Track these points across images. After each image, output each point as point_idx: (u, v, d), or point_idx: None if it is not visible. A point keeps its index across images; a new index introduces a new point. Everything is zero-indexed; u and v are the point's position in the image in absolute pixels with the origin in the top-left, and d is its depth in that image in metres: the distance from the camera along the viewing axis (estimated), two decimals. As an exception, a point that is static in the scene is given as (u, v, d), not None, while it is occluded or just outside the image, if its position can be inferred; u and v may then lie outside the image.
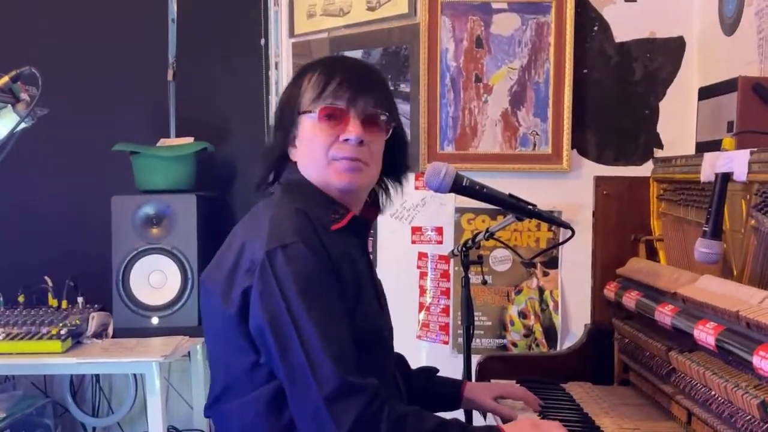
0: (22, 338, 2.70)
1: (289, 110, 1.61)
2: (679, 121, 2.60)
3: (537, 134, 2.65)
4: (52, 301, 3.03)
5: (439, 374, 2.00)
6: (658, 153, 2.62)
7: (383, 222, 2.76)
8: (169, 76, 3.28)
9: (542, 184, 2.63)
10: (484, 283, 2.51)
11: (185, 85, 3.27)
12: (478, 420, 2.05)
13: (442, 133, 2.67)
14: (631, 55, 2.65)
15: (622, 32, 2.65)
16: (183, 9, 3.24)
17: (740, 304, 1.53)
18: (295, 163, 1.63)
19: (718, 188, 1.78)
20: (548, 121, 2.64)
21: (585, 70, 2.65)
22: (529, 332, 2.65)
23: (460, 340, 2.60)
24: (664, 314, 1.79)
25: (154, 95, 3.27)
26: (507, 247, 2.36)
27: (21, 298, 3.04)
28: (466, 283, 2.18)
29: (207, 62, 3.24)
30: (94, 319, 2.88)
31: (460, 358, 2.30)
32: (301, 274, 1.44)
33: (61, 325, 2.79)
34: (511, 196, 1.75)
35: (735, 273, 1.79)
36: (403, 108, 2.70)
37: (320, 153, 1.57)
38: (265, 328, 1.45)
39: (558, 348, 2.62)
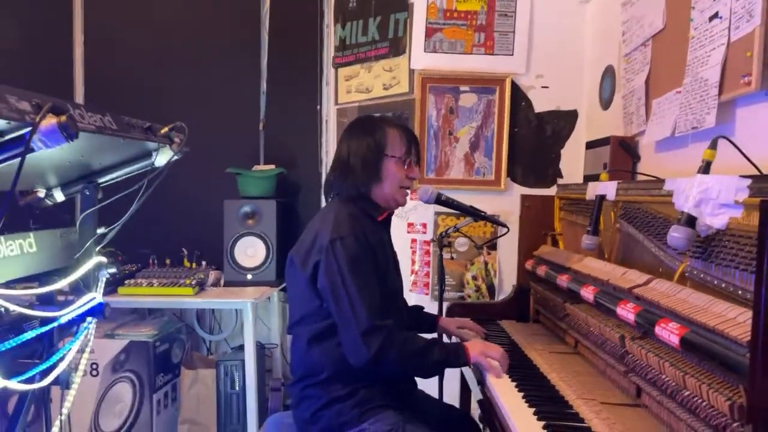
0: (167, 285, 2.73)
1: (378, 155, 1.64)
2: (572, 161, 2.63)
3: (485, 168, 2.66)
4: (186, 264, 3.06)
5: (424, 311, 2.03)
6: (560, 180, 2.64)
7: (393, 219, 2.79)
8: (261, 127, 3.32)
9: (488, 199, 2.64)
10: (452, 258, 2.54)
11: (271, 133, 3.30)
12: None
13: (427, 165, 2.69)
14: (544, 120, 2.66)
15: (540, 106, 2.66)
16: (270, 83, 3.27)
17: (609, 275, 1.55)
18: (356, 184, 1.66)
19: (597, 204, 1.81)
20: (493, 160, 2.65)
21: (516, 129, 2.66)
22: (478, 289, 2.67)
23: (436, 292, 2.63)
24: (563, 280, 1.81)
25: (251, 139, 3.29)
26: (467, 237, 2.38)
27: (167, 261, 3.08)
28: (440, 260, 2.19)
29: (284, 118, 3.26)
30: (212, 275, 2.91)
31: (436, 303, 2.31)
32: (350, 256, 1.51)
33: (192, 278, 2.82)
34: (471, 207, 1.78)
35: (606, 256, 1.81)
36: (404, 150, 2.73)
37: (397, 184, 1.66)
38: (327, 287, 1.53)
39: (496, 299, 2.64)
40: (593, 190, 1.86)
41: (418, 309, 2.01)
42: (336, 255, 1.51)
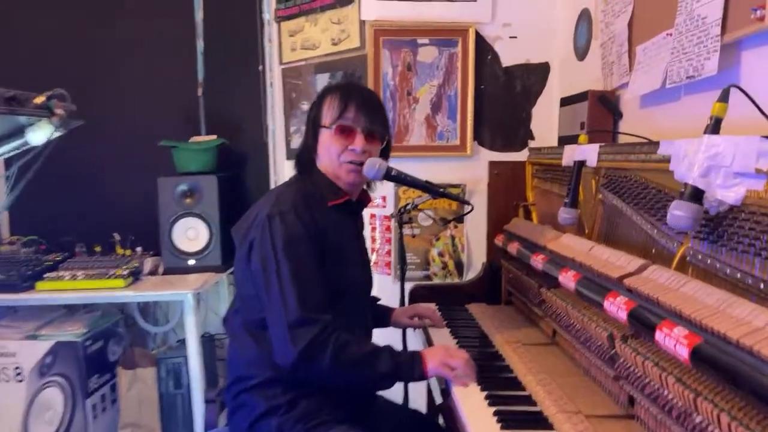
0: (96, 278, 2.43)
1: (315, 125, 1.44)
2: (545, 121, 2.36)
3: (449, 131, 2.39)
4: (119, 250, 2.74)
5: (379, 302, 1.80)
6: (531, 143, 2.38)
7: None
8: (199, 92, 2.98)
9: (453, 166, 2.39)
10: (413, 236, 2.29)
11: (210, 99, 2.95)
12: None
13: (384, 131, 2.40)
14: (513, 75, 2.39)
15: (507, 59, 2.38)
16: (208, 44, 2.91)
17: (593, 259, 1.31)
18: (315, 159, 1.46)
19: (575, 171, 1.56)
20: (457, 122, 2.37)
21: (482, 86, 2.38)
22: (444, 266, 2.43)
23: (398, 270, 2.39)
24: (537, 261, 1.57)
25: (189, 106, 2.94)
26: (428, 214, 2.12)
27: (97, 248, 2.76)
28: (399, 237, 1.94)
29: (224, 82, 2.91)
30: (149, 262, 2.61)
31: (398, 284, 2.08)
32: (289, 234, 1.28)
33: (124, 267, 2.51)
34: (427, 183, 1.51)
35: (587, 231, 1.58)
36: (357, 114, 2.44)
37: (335, 156, 1.41)
38: (258, 270, 1.29)
39: (464, 276, 2.41)
40: (570, 154, 1.61)
41: (374, 301, 1.76)
42: (272, 232, 1.28)
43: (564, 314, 1.42)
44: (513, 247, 1.80)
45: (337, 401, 1.35)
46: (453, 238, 2.43)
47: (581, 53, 2.10)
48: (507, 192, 2.07)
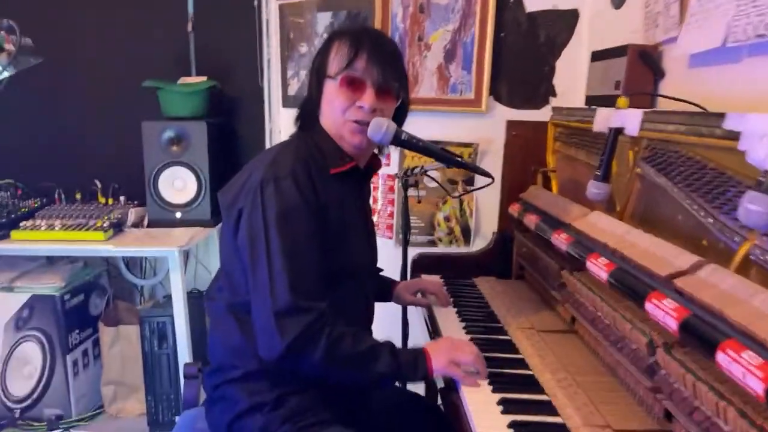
0: (74, 228, 2.25)
1: (319, 74, 1.23)
2: (570, 76, 2.14)
3: (463, 83, 2.16)
4: (101, 199, 2.56)
5: (381, 273, 1.61)
6: (553, 101, 2.16)
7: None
8: (189, 28, 2.72)
9: (465, 123, 2.18)
10: (419, 201, 2.11)
11: (201, 37, 2.69)
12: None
13: (391, 80, 2.18)
14: (537, 22, 2.14)
15: (532, 4, 2.13)
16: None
17: (631, 246, 1.13)
18: (318, 115, 1.24)
19: (611, 140, 1.36)
20: (472, 73, 2.15)
21: (502, 34, 2.14)
22: (450, 232, 2.26)
23: (401, 235, 2.22)
24: (560, 241, 1.39)
25: (178, 44, 2.68)
26: (438, 183, 1.91)
27: (78, 195, 2.58)
28: (404, 201, 1.76)
29: (216, 17, 2.65)
30: (132, 214, 2.43)
31: (401, 249, 1.91)
32: (284, 204, 1.08)
33: (105, 218, 2.34)
34: (443, 150, 1.29)
35: (618, 209, 1.39)
36: (362, 60, 2.20)
37: (338, 113, 1.20)
38: (245, 244, 1.10)
39: (471, 244, 2.25)
40: (605, 119, 1.40)
41: (376, 271, 1.59)
42: (264, 200, 1.10)
43: (590, 305, 1.26)
44: (530, 220, 1.62)
45: (329, 399, 1.20)
46: (461, 202, 2.25)
47: (618, 0, 1.86)
48: (525, 155, 1.87)
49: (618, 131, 1.35)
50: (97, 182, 2.57)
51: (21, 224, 2.27)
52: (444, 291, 1.61)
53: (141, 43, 2.66)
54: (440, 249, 2.22)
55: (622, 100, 1.35)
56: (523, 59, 2.17)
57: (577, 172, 1.64)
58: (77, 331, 2.41)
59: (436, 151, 1.26)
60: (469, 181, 2.21)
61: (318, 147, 1.21)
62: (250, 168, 1.18)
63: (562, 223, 1.43)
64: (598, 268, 1.17)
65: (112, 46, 2.66)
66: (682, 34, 1.42)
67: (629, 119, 1.30)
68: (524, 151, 1.87)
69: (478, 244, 2.20)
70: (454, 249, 2.26)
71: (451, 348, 1.18)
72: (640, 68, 1.56)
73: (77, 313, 2.41)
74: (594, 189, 1.37)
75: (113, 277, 2.76)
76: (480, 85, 2.15)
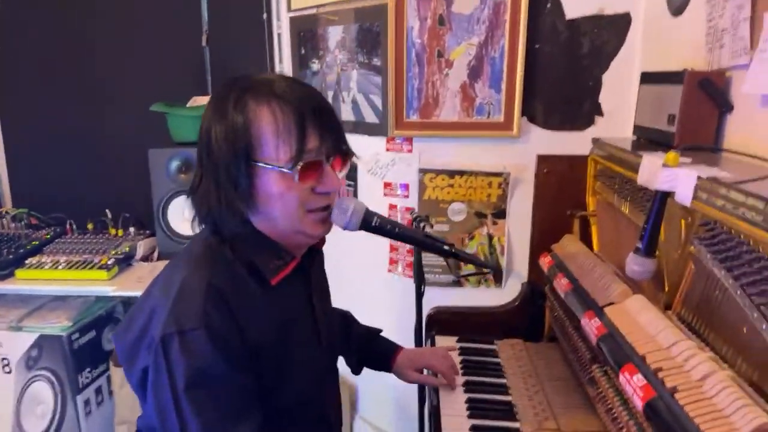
0: (79, 267, 2.16)
1: (244, 160, 0.90)
2: (619, 92, 1.81)
3: (491, 104, 1.89)
4: (112, 230, 2.47)
5: (380, 335, 1.41)
6: (599, 121, 1.85)
7: (362, 176, 2.10)
8: (204, 42, 2.57)
9: (494, 149, 1.91)
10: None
11: (214, 51, 2.54)
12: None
13: (408, 103, 1.93)
14: (579, 30, 1.83)
15: (573, 9, 1.81)
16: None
17: (673, 369, 0.86)
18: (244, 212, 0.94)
19: (656, 207, 1.07)
20: (502, 92, 1.87)
21: (537, 45, 1.84)
22: (498, 271, 2.00)
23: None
24: (591, 328, 1.13)
25: (191, 60, 2.54)
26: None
27: (90, 226, 2.49)
28: (417, 261, 1.53)
29: (228, 32, 2.48)
30: (142, 246, 2.33)
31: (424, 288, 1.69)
32: (195, 367, 0.83)
33: (112, 252, 2.25)
34: (426, 235, 1.03)
35: (667, 289, 1.11)
36: (375, 80, 1.97)
37: (294, 208, 0.92)
38: (155, 416, 0.85)
39: (503, 283, 1.98)
40: (650, 174, 1.12)
41: (371, 336, 1.39)
42: (170, 365, 0.84)
43: (622, 423, 1.00)
44: (561, 285, 1.36)
45: None
46: (491, 237, 1.98)
47: (677, 5, 1.53)
48: (559, 195, 1.60)
49: (666, 195, 1.06)
50: (108, 212, 2.47)
51: (27, 261, 2.21)
52: (451, 371, 1.34)
53: (154, 62, 2.54)
54: (465, 293, 1.96)
55: (672, 156, 1.06)
56: (563, 73, 1.86)
57: (620, 227, 1.35)
58: (88, 369, 2.34)
59: (418, 239, 1.02)
60: (500, 214, 1.95)
61: (242, 256, 0.94)
62: (150, 303, 0.91)
63: (594, 305, 1.16)
64: (633, 389, 0.90)
65: (124, 67, 2.55)
66: (754, 65, 1.10)
67: (680, 182, 1.02)
68: (559, 190, 1.60)
69: (511, 287, 1.94)
70: (483, 290, 2.00)
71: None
72: (701, 100, 1.25)
73: (88, 350, 2.33)
74: (635, 265, 1.09)
75: (129, 306, 2.68)
76: (511, 105, 1.86)
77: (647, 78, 1.48)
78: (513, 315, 1.66)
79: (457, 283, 2.04)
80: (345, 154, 0.97)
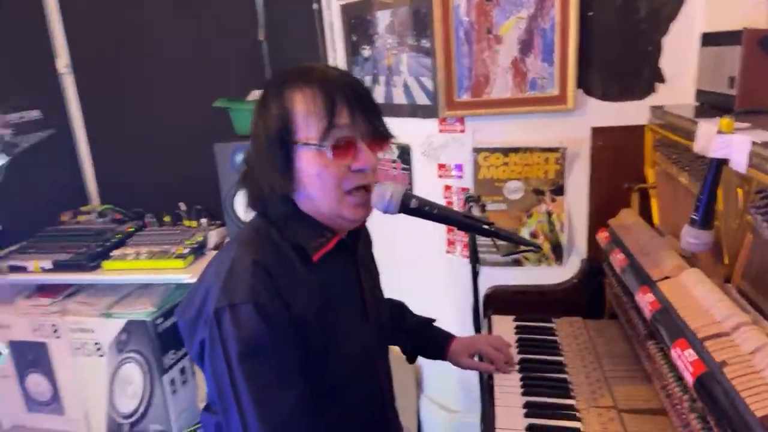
0: (158, 257, 2.33)
1: (283, 141, 0.96)
2: (681, 57, 1.71)
3: (545, 78, 1.84)
4: (186, 222, 2.62)
5: (434, 324, 1.42)
6: (660, 88, 1.77)
7: (416, 159, 2.11)
8: (261, 36, 2.66)
9: (549, 123, 1.86)
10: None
11: (271, 44, 2.62)
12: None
13: (458, 83, 1.91)
14: (636, -6, 1.74)
15: (628, -28, 1.73)
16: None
17: (720, 339, 0.83)
18: (289, 192, 1.00)
19: (711, 176, 1.03)
20: (555, 65, 1.82)
21: (590, 13, 1.77)
22: (538, 249, 1.98)
23: (480, 254, 1.99)
24: (644, 303, 1.11)
25: (248, 55, 2.64)
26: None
27: (166, 218, 2.66)
28: (472, 235, 1.53)
29: (284, 26, 2.56)
30: (213, 236, 2.47)
31: (481, 268, 1.76)
32: (246, 339, 0.88)
33: (187, 243, 2.39)
34: (465, 215, 1.03)
35: (726, 261, 1.06)
36: (425, 62, 1.97)
37: (332, 187, 0.96)
38: (212, 384, 0.93)
39: (564, 261, 1.95)
40: (706, 140, 1.07)
41: (425, 326, 1.41)
42: (224, 337, 0.90)
43: (676, 399, 0.97)
44: (617, 259, 1.32)
45: None
46: (549, 214, 1.95)
47: (740, -41, 1.43)
48: (616, 168, 1.55)
49: (721, 162, 1.01)
50: (182, 205, 2.63)
51: (112, 253, 2.39)
52: (504, 356, 1.32)
53: (215, 59, 2.66)
54: (525, 272, 1.94)
55: (726, 122, 1.01)
56: (620, 41, 1.78)
57: (679, 199, 1.30)
58: (172, 351, 2.51)
59: (458, 219, 1.02)
60: (558, 191, 1.91)
61: (289, 236, 0.99)
62: (206, 281, 0.98)
63: (648, 278, 1.13)
64: (684, 364, 0.88)
65: (188, 66, 2.69)
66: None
67: (735, 149, 0.97)
68: (615, 164, 1.54)
69: (573, 264, 1.90)
70: (543, 269, 1.97)
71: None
72: (761, 60, 1.17)
73: (171, 333, 2.50)
74: (690, 238, 1.05)
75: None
76: (565, 77, 1.81)
77: (707, 39, 1.40)
78: (572, 292, 1.63)
79: (517, 263, 2.02)
80: (381, 135, 1.00)
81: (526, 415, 1.16)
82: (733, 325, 0.84)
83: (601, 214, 1.56)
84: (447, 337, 1.37)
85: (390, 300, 1.40)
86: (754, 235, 0.96)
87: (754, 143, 0.92)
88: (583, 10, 1.76)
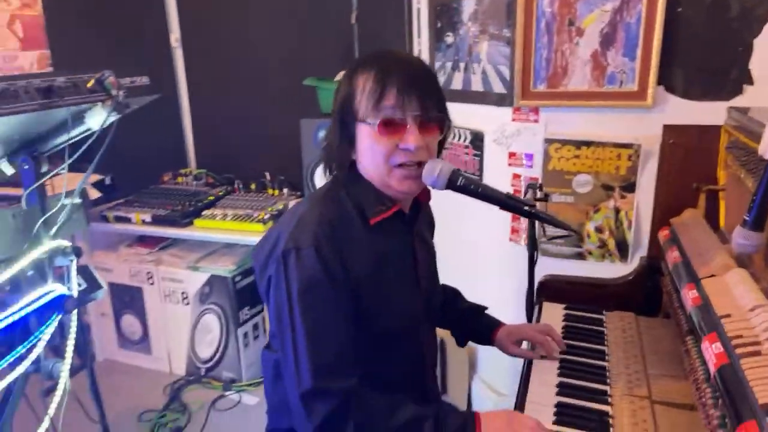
0: (241, 219, 2.53)
1: (348, 116, 1.11)
2: (774, 59, 1.65)
3: (624, 72, 1.83)
4: (269, 191, 2.82)
5: (486, 312, 1.49)
6: (748, 90, 1.71)
7: (488, 146, 2.16)
8: (353, 20, 2.78)
9: (625, 119, 1.85)
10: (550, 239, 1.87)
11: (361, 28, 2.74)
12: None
13: (535, 73, 1.93)
14: (729, -10, 1.69)
15: (722, -32, 1.68)
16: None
17: (747, 331, 0.85)
18: (354, 161, 1.15)
19: (766, 177, 1.03)
20: (636, 60, 1.80)
21: (679, 9, 1.74)
22: (603, 244, 1.98)
23: (543, 245, 2.02)
24: (687, 298, 1.12)
25: (340, 37, 2.77)
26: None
27: (253, 186, 2.88)
28: (531, 223, 1.57)
29: (374, 11, 2.66)
30: (292, 205, 2.63)
31: (543, 259, 1.89)
32: (306, 279, 1.03)
33: (269, 209, 2.58)
34: (508, 196, 1.09)
35: (776, 265, 1.05)
36: (505, 51, 2.00)
37: (380, 160, 1.09)
38: (273, 318, 1.08)
39: (629, 259, 1.94)
40: (766, 144, 1.06)
41: (476, 312, 1.48)
42: (288, 274, 1.04)
43: (702, 392, 0.99)
44: (672, 257, 1.33)
45: None
46: (617, 210, 1.94)
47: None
48: (686, 167, 1.52)
49: (778, 165, 1.00)
50: (267, 174, 2.83)
51: (203, 213, 2.63)
52: (553, 341, 1.37)
53: (310, 40, 2.82)
54: (587, 266, 1.95)
55: (785, 124, 1.00)
56: (708, 39, 1.73)
57: (744, 202, 1.27)
58: (248, 307, 2.73)
59: (501, 199, 1.08)
60: (629, 188, 1.89)
61: (353, 198, 1.12)
62: (279, 228, 1.13)
63: (694, 274, 1.14)
64: (710, 355, 0.90)
65: (283, 46, 2.86)
66: None
67: (792, 151, 0.96)
68: (684, 165, 1.52)
69: (638, 262, 1.89)
70: (607, 264, 1.97)
71: (508, 420, 1.03)
72: None
73: (249, 291, 2.72)
74: (740, 238, 1.05)
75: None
76: (646, 73, 1.79)
77: (794, 40, 1.35)
78: (626, 288, 1.63)
79: (580, 256, 2.03)
80: (435, 120, 1.08)
81: (558, 394, 1.21)
82: (761, 322, 0.85)
83: (666, 212, 1.55)
84: (495, 324, 1.44)
85: (445, 285, 1.49)
86: (804, 240, 0.95)
87: (809, 146, 0.91)
88: (670, 6, 1.73)
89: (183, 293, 2.73)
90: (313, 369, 1.01)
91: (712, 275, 1.10)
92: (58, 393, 1.47)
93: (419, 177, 1.09)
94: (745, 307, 0.93)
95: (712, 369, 0.88)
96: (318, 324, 1.03)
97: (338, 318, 1.05)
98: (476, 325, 1.44)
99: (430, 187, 1.11)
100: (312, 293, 1.03)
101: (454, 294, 1.51)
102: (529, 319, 1.69)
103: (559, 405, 1.17)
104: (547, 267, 1.92)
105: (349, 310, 1.07)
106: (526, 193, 1.41)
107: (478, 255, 2.26)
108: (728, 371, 0.83)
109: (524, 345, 1.45)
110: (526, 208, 1.07)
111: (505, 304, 2.15)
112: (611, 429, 1.10)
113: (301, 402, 1.02)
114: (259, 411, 2.56)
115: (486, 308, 1.47)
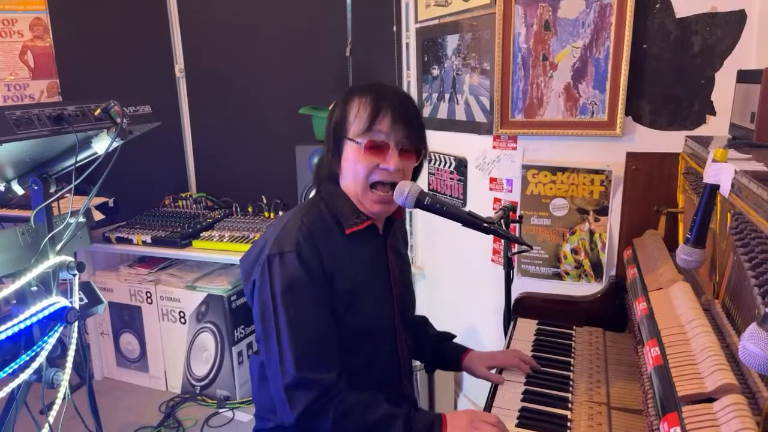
0: (237, 241, 2.63)
1: (339, 133, 1.24)
2: (732, 91, 1.77)
3: (595, 104, 1.95)
4: (266, 213, 2.93)
5: (454, 340, 1.59)
6: (711, 120, 1.83)
7: (471, 172, 2.27)
8: (347, 52, 2.92)
9: (596, 147, 1.97)
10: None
11: (357, 59, 2.88)
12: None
13: (513, 104, 2.06)
14: (690, 29, 1.82)
15: (683, 7, 1.81)
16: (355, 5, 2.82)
17: (677, 338, 0.95)
18: (338, 174, 1.28)
19: (704, 199, 1.14)
20: (606, 92, 1.92)
21: (645, 46, 1.87)
22: (578, 265, 2.07)
23: (523, 266, 2.12)
24: (638, 309, 1.22)
25: (336, 68, 2.91)
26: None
27: (250, 209, 2.98)
28: (506, 245, 1.68)
29: (365, 43, 2.81)
30: (287, 227, 2.73)
31: (524, 279, 2.05)
32: (287, 280, 1.14)
33: (264, 230, 2.67)
34: (469, 213, 1.21)
35: (717, 278, 1.16)
36: (485, 83, 2.13)
37: (361, 176, 1.22)
38: (258, 317, 1.19)
39: (604, 279, 2.03)
40: (710, 170, 1.17)
41: (443, 339, 1.57)
42: (272, 275, 1.16)
43: (648, 398, 1.08)
44: (630, 274, 1.43)
45: None
46: (592, 233, 2.04)
47: (786, 1, 1.49)
48: (648, 192, 1.63)
49: (714, 187, 1.11)
50: (263, 198, 2.94)
51: (201, 234, 2.73)
52: (524, 362, 1.44)
53: (307, 72, 2.96)
54: (563, 285, 2.04)
55: (720, 152, 1.10)
56: (672, 73, 1.86)
57: (694, 222, 1.38)
58: (242, 326, 2.81)
59: (462, 216, 1.19)
60: (602, 211, 2.00)
61: (333, 210, 1.24)
62: (265, 237, 1.24)
63: (644, 286, 1.24)
64: (649, 358, 1.00)
65: (280, 74, 3.01)
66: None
67: (723, 176, 1.07)
68: (647, 189, 1.63)
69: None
70: (583, 284, 2.07)
71: (469, 423, 1.12)
72: (779, 99, 1.24)
73: (243, 311, 2.80)
74: (684, 254, 1.15)
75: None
76: (615, 105, 1.91)
77: (741, 76, 1.47)
78: (596, 305, 1.72)
79: (558, 276, 2.13)
80: (414, 148, 1.21)
81: (523, 400, 1.29)
82: (691, 329, 0.95)
83: (631, 233, 1.65)
84: (462, 349, 1.53)
85: (415, 316, 1.57)
86: (733, 258, 1.05)
87: (736, 171, 1.02)
88: (636, 43, 1.86)
89: (180, 312, 2.82)
90: (296, 361, 1.11)
91: (660, 288, 1.19)
92: (58, 401, 1.56)
93: (390, 202, 1.21)
94: (682, 316, 1.02)
95: (649, 369, 0.97)
96: (300, 320, 1.14)
97: (319, 314, 1.16)
98: (443, 350, 1.53)
99: (400, 204, 1.23)
100: (294, 292, 1.14)
101: (423, 321, 1.61)
102: (506, 333, 1.78)
103: (522, 410, 1.25)
104: (526, 287, 2.01)
105: (329, 308, 1.17)
106: (500, 215, 1.52)
107: (463, 275, 2.36)
108: (661, 371, 0.92)
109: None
110: (486, 225, 1.17)
111: (487, 321, 2.25)
112: (569, 431, 1.18)
113: (284, 393, 1.12)
114: (251, 427, 2.62)
115: (454, 336, 1.57)
